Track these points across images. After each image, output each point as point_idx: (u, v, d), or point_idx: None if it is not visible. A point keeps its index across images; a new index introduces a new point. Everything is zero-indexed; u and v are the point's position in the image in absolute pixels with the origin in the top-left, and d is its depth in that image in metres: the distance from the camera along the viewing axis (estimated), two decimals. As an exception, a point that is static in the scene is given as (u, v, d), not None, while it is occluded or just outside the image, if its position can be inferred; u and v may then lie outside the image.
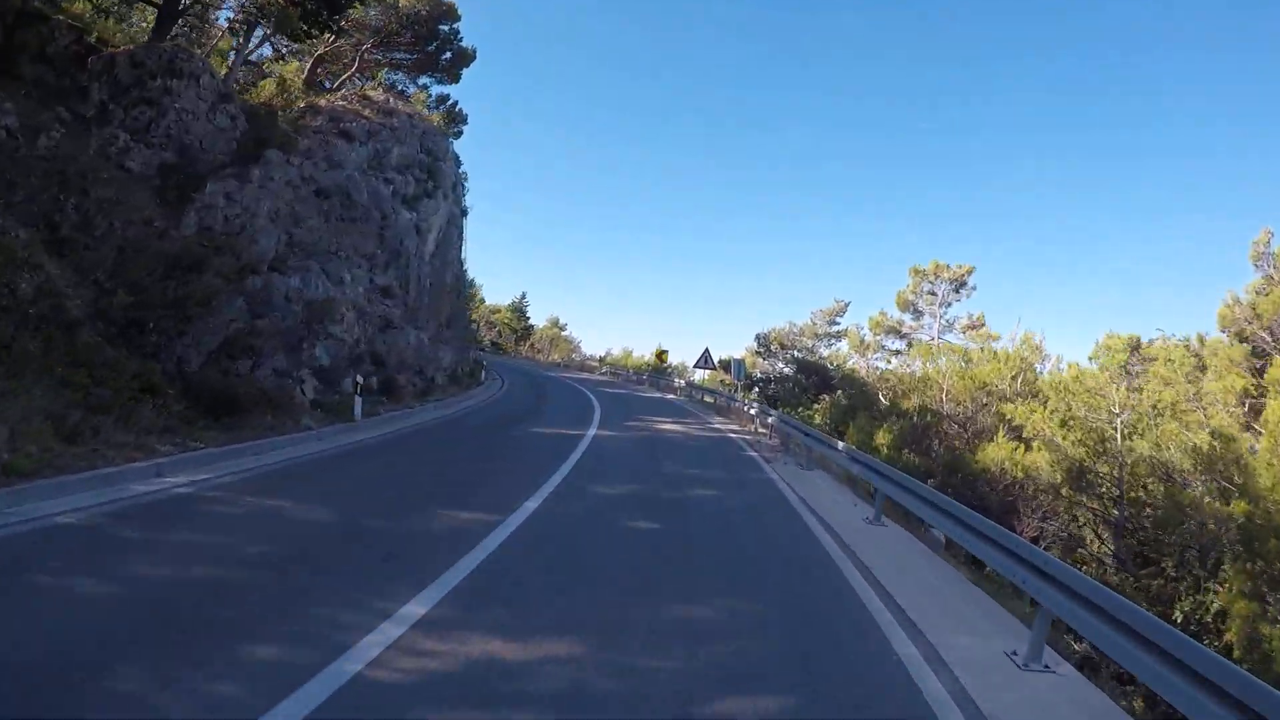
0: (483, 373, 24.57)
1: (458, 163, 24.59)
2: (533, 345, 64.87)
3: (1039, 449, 14.18)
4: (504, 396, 21.32)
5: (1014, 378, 18.23)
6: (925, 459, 16.86)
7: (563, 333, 67.71)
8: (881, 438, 18.21)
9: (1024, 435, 16.37)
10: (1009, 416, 15.54)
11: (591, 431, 13.79)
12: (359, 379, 12.35)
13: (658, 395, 29.56)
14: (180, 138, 16.07)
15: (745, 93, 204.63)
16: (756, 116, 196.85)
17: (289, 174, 16.68)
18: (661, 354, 35.78)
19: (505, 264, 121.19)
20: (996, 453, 15.75)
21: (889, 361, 30.04)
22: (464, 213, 24.31)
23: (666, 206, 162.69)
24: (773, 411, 15.35)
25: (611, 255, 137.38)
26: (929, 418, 16.82)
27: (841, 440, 12.05)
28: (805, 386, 33.00)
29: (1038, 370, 19.66)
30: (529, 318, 71.15)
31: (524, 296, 71.04)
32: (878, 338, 32.07)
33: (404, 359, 17.53)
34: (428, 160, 21.61)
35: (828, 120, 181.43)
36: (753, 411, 17.40)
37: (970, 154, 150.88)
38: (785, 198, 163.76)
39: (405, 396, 16.15)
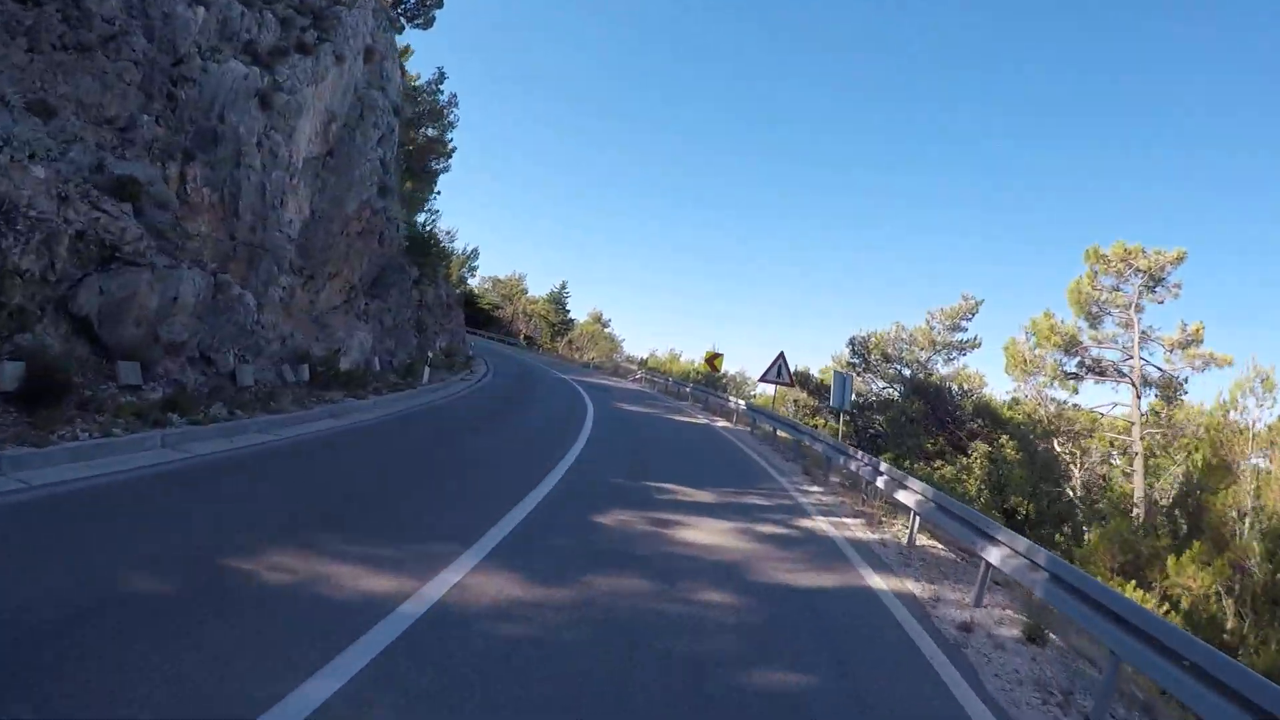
0: (425, 370, 15.32)
1: (391, 29, 15.36)
2: (570, 342, 55.88)
3: None
4: (421, 414, 11.95)
5: None
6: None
7: (605, 329, 58.48)
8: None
9: None
10: None
11: (437, 589, 4.13)
12: None
13: (702, 421, 19.62)
14: None
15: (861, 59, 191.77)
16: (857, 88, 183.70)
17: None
18: (714, 358, 25.81)
19: (548, 255, 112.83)
20: None
21: (1074, 390, 19.15)
22: (397, 111, 15.11)
23: (734, 196, 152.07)
24: (1035, 552, 5.25)
25: (664, 248, 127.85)
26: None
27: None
28: (913, 417, 22.42)
29: None
30: (568, 310, 62.27)
31: (564, 286, 62.31)
32: (1045, 353, 21.17)
33: (160, 330, 8.38)
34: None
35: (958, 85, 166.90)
36: (912, 501, 7.36)
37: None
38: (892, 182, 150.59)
39: (108, 409, 6.96)
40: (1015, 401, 19.86)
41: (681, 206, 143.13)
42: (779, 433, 15.23)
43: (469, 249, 47.43)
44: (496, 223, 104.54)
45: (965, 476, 15.41)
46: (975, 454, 16.36)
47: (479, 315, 64.33)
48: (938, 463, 16.39)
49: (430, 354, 15.73)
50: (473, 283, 67.05)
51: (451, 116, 24.20)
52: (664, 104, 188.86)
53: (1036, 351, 21.43)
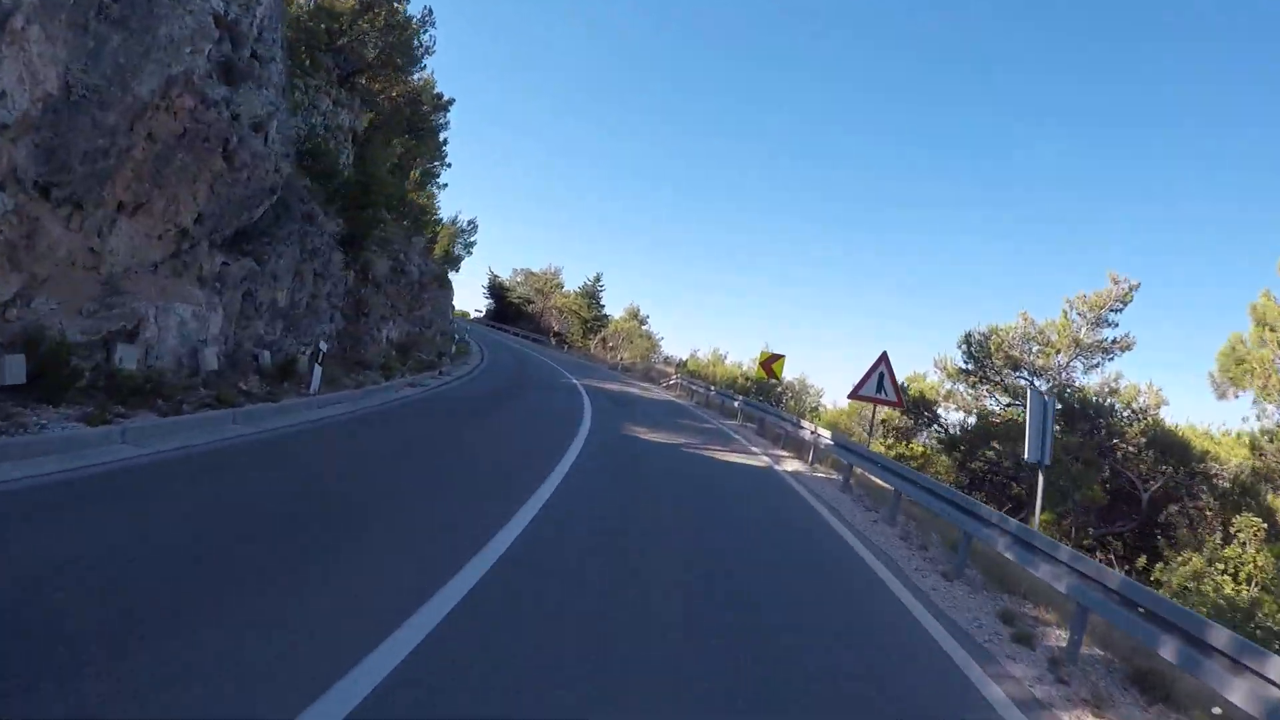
0: (316, 372, 9.32)
1: None
2: (604, 340, 49.86)
3: None
4: (181, 472, 5.82)
5: None
6: None
7: (642, 326, 52.10)
8: None
9: None
10: None
11: None
12: None
13: (759, 460, 13.07)
14: None
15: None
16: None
17: None
18: (771, 361, 19.14)
19: (586, 249, 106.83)
20: None
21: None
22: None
23: (785, 188, 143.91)
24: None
25: (711, 241, 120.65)
26: None
27: None
28: (1075, 453, 15.30)
29: None
30: (603, 306, 56.14)
31: (598, 279, 56.18)
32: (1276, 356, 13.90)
33: None
34: None
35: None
36: None
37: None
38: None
39: None
40: (1267, 435, 12.64)
41: (733, 199, 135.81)
42: (900, 491, 8.65)
43: (461, 219, 41.41)
44: (534, 216, 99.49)
45: (1220, 573, 8.65)
46: (1243, 533, 9.37)
47: (508, 310, 59.05)
48: (1184, 554, 9.52)
49: (323, 348, 9.74)
50: (503, 275, 61.97)
51: (426, 37, 18.26)
52: (706, 99, 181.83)
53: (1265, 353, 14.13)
